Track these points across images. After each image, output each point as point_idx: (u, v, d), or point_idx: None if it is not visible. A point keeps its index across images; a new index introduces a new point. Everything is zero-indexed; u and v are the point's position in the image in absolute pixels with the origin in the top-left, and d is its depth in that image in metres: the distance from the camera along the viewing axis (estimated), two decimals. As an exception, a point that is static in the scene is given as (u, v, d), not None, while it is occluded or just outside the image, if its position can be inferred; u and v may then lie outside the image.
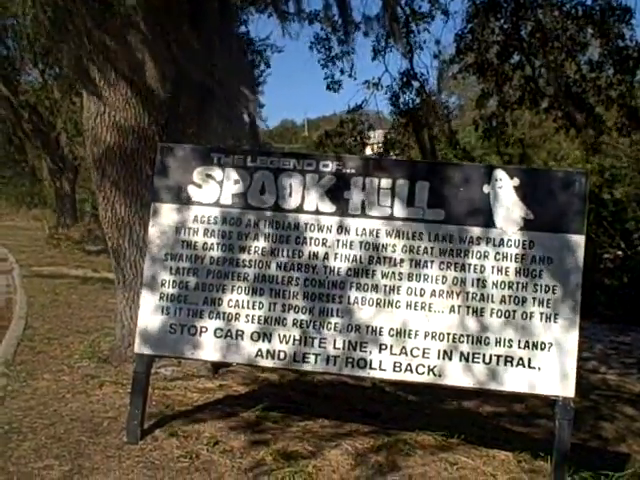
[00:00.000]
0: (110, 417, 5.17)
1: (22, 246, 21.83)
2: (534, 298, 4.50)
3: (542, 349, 4.45)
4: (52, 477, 4.14)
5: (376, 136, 18.74)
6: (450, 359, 4.50)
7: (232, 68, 7.47)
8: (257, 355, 4.63)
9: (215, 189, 4.88)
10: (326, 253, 4.66)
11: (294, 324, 4.61)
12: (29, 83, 23.91)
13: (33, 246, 21.84)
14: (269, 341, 4.61)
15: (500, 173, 4.66)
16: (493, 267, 4.56)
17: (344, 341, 4.54)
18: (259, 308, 4.66)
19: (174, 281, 4.80)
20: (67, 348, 7.50)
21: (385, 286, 4.59)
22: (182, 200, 4.91)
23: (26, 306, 10.64)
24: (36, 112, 25.61)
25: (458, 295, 4.56)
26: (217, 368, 6.47)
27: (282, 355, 4.60)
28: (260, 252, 4.74)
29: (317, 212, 4.73)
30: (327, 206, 4.73)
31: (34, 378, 6.26)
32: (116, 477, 4.17)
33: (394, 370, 4.53)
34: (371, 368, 4.52)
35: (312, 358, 4.56)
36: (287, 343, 4.60)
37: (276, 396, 5.80)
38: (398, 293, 4.58)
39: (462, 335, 4.51)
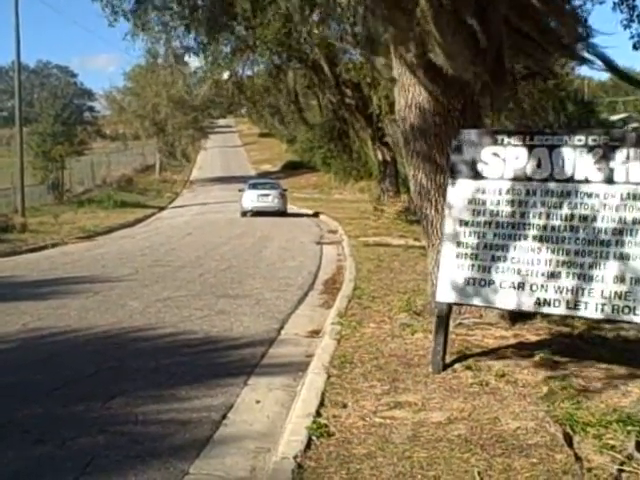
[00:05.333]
0: (419, 354, 6.81)
1: (350, 218, 24.84)
2: None
3: None
4: (375, 392, 5.83)
5: None
6: None
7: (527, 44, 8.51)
8: (536, 303, 5.88)
9: (500, 165, 6.19)
10: (594, 216, 5.72)
11: (567, 276, 5.75)
12: (351, 61, 26.45)
13: (359, 218, 24.66)
14: (546, 291, 5.82)
15: None
16: None
17: (610, 291, 5.59)
18: (537, 264, 5.88)
19: (467, 243, 6.22)
20: (388, 304, 9.38)
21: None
22: (473, 175, 6.30)
23: (355, 271, 12.89)
24: (358, 88, 28.42)
25: None
26: (514, 321, 7.74)
27: (557, 303, 5.78)
28: (537, 217, 5.96)
29: (586, 181, 5.80)
30: (595, 175, 5.77)
31: (362, 326, 8.20)
32: (422, 395, 5.73)
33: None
34: (634, 314, 5.51)
35: (582, 306, 5.68)
36: (561, 293, 5.77)
37: (563, 344, 6.93)
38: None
39: None
